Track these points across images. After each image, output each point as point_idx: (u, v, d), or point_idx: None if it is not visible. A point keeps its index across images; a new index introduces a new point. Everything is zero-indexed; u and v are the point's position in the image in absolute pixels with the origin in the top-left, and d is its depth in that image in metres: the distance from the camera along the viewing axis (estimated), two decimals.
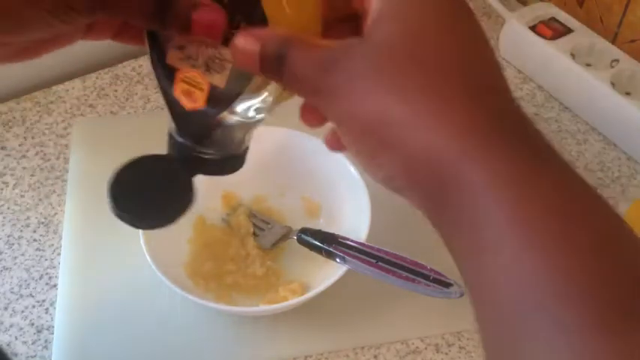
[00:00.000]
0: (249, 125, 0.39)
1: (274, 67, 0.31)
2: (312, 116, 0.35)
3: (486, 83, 0.29)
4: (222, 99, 0.37)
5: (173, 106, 0.38)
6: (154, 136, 0.46)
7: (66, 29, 0.36)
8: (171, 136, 0.39)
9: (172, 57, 0.37)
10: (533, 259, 0.25)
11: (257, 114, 0.38)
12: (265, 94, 0.37)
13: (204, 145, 0.39)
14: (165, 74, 0.37)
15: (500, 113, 0.28)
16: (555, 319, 0.24)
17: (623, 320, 0.24)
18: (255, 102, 0.37)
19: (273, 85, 0.36)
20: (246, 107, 0.37)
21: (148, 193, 0.39)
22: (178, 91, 0.38)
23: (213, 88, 0.37)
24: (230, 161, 0.41)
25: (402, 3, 0.29)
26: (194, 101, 0.38)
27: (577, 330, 0.23)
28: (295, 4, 0.35)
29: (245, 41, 0.32)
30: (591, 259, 0.25)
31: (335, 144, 0.35)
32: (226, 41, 0.35)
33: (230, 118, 0.38)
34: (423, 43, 0.29)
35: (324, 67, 0.29)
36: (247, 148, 0.41)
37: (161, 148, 0.46)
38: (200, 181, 0.46)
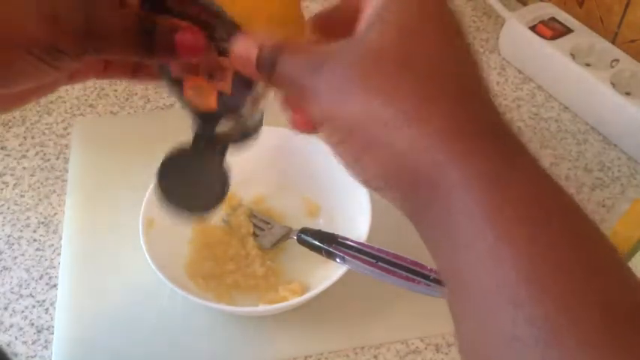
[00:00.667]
0: (263, 105, 0.42)
1: (267, 70, 0.32)
2: (300, 120, 0.36)
3: (472, 89, 0.29)
4: (231, 100, 0.39)
5: (189, 108, 0.41)
6: (154, 136, 0.47)
7: (56, 75, 0.36)
8: (192, 126, 0.42)
9: (175, 70, 0.40)
10: (508, 252, 0.26)
11: (268, 97, 0.40)
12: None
13: (226, 132, 0.42)
14: (174, 84, 0.40)
15: (482, 118, 0.29)
16: (527, 316, 0.25)
17: (600, 317, 0.24)
18: (262, 92, 0.39)
19: None
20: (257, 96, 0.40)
21: (191, 185, 0.42)
22: (189, 96, 0.40)
23: (221, 93, 0.39)
24: (251, 133, 0.43)
25: (400, 9, 0.30)
26: (206, 104, 0.40)
27: (548, 327, 0.24)
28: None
29: (244, 47, 0.33)
30: (561, 252, 0.26)
31: (302, 125, 0.36)
32: (220, 52, 0.37)
33: (244, 108, 0.40)
34: (417, 48, 0.29)
35: (312, 68, 0.30)
36: (262, 115, 0.44)
37: (161, 148, 0.46)
38: None
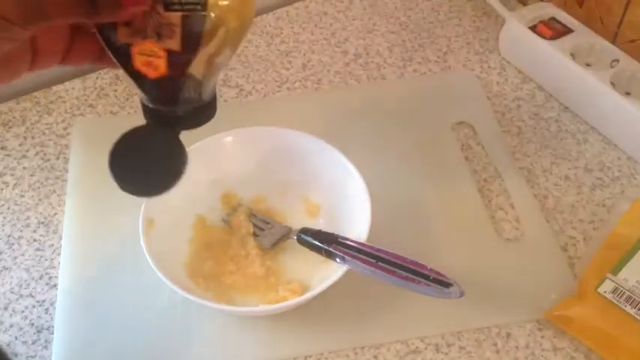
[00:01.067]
0: (214, 73, 0.41)
1: None
2: None
3: None
4: (181, 60, 0.38)
5: (138, 78, 0.40)
6: None
7: (8, 46, 0.36)
8: (144, 105, 0.41)
9: (122, 34, 0.39)
10: None
11: (219, 60, 0.40)
12: (219, 41, 0.38)
13: (176, 104, 0.41)
14: (121, 52, 0.39)
15: None
16: None
17: None
18: (213, 50, 0.39)
19: (224, 32, 0.38)
20: (207, 57, 0.39)
21: (147, 163, 0.42)
22: (138, 64, 0.39)
23: (170, 53, 0.38)
24: (204, 111, 0.42)
25: None
26: (156, 69, 0.39)
27: None
28: None
29: None
30: None
31: None
32: (166, 5, 0.36)
33: (195, 73, 0.39)
34: None
35: None
36: (215, 95, 0.43)
37: None
38: (200, 182, 0.46)
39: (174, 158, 0.41)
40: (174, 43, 0.38)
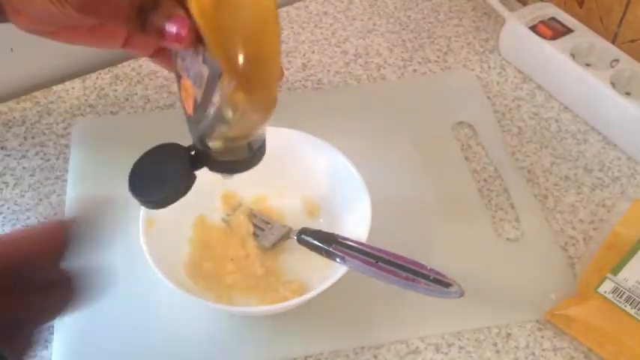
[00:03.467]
0: (245, 136, 0.44)
1: None
2: None
3: None
4: (199, 111, 0.41)
5: (183, 107, 0.44)
6: (154, 136, 0.47)
7: (64, 22, 0.44)
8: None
9: (177, 65, 0.42)
10: None
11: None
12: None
13: (206, 145, 0.44)
14: (178, 81, 0.43)
15: None
16: None
17: None
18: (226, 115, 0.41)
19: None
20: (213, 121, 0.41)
21: (154, 178, 0.45)
22: (182, 95, 0.43)
23: (195, 100, 0.41)
24: (238, 164, 0.46)
25: None
26: (188, 107, 0.43)
27: None
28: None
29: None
30: None
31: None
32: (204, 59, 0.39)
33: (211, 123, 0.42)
34: None
35: None
36: (257, 153, 0.47)
37: None
38: (200, 181, 0.46)
39: (177, 183, 0.44)
40: (199, 92, 0.40)
